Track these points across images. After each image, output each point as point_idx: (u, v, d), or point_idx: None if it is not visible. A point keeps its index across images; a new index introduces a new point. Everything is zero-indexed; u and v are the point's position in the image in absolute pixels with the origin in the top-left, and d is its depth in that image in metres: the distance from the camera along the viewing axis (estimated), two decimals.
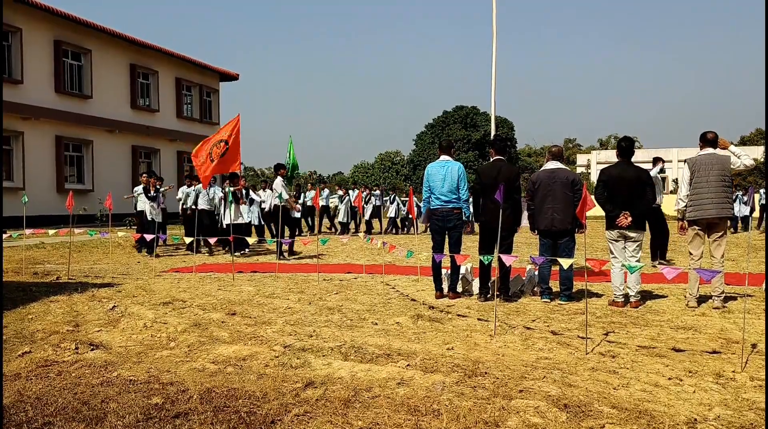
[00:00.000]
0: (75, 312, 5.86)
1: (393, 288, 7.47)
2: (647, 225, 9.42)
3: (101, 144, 22.79)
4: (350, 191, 20.14)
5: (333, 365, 4.04)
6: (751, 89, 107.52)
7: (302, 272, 9.10)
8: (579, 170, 55.50)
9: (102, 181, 22.16)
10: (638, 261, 6.13)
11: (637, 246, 6.22)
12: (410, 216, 19.32)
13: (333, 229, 20.11)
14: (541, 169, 6.79)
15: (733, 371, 3.90)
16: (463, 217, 6.76)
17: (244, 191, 12.12)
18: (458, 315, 5.81)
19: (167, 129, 25.91)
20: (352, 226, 19.90)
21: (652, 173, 9.65)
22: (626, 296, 6.21)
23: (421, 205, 7.29)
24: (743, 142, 58.37)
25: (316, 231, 19.11)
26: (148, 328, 5.15)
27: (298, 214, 12.86)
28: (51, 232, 10.50)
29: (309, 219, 19.16)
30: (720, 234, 6.19)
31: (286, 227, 11.86)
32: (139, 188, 12.34)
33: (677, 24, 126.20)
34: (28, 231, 10.20)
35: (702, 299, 6.26)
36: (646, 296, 6.62)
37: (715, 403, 3.36)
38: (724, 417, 3.15)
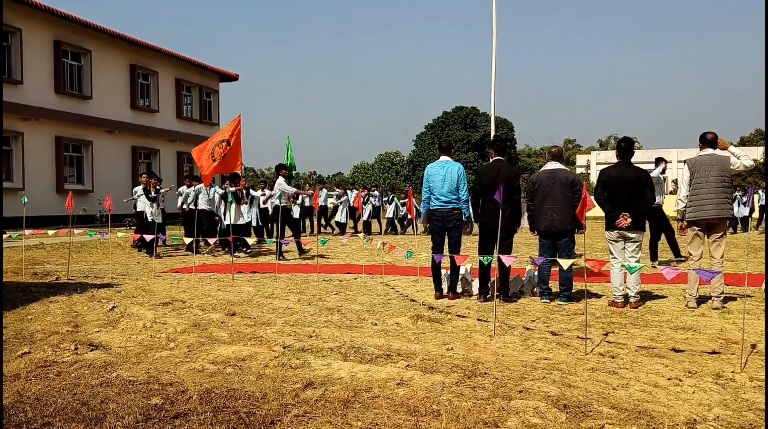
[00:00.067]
0: (74, 312, 5.86)
1: (393, 288, 7.47)
2: (648, 225, 9.44)
3: (101, 144, 22.80)
4: (348, 191, 20.12)
5: (332, 366, 4.04)
6: (751, 89, 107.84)
7: (302, 273, 9.09)
8: (579, 171, 55.53)
9: (102, 182, 22.17)
10: (638, 261, 6.13)
11: (636, 246, 6.22)
12: (409, 216, 19.33)
13: (329, 230, 20.07)
14: (541, 169, 6.79)
15: (733, 372, 3.91)
16: (463, 218, 6.76)
17: (244, 191, 12.14)
18: (458, 315, 5.81)
19: (167, 129, 25.92)
20: (350, 224, 19.88)
21: (654, 174, 9.66)
22: (626, 297, 6.21)
23: (421, 205, 7.29)
24: (743, 142, 58.43)
25: (315, 231, 19.10)
26: (147, 329, 5.15)
27: (296, 214, 12.91)
28: (50, 232, 10.52)
29: (308, 219, 19.15)
30: (720, 234, 6.19)
31: (286, 227, 11.88)
32: (139, 189, 12.34)
33: (677, 24, 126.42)
34: (27, 231, 10.20)
35: (701, 300, 6.26)
36: (645, 297, 6.62)
37: (714, 403, 3.36)
38: (723, 417, 3.15)
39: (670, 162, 44.49)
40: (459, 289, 6.93)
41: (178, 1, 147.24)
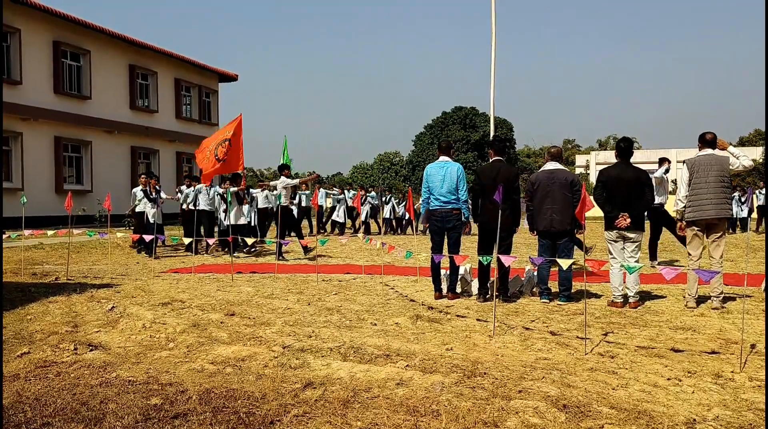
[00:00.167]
0: (74, 313, 5.86)
1: (392, 288, 7.47)
2: (649, 225, 9.45)
3: (100, 145, 22.78)
4: (346, 191, 20.10)
5: (332, 366, 4.04)
6: (750, 89, 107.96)
7: (301, 273, 9.09)
8: (578, 171, 55.54)
9: (101, 182, 22.14)
10: (637, 261, 6.13)
11: (636, 246, 6.23)
12: (408, 216, 19.33)
13: (324, 230, 20.01)
14: (540, 169, 6.79)
15: (732, 371, 3.91)
16: (462, 218, 6.76)
17: (245, 191, 12.16)
18: (457, 315, 5.81)
19: (166, 130, 25.89)
20: (348, 224, 19.86)
21: (658, 174, 9.67)
22: (625, 297, 6.21)
23: (420, 205, 7.29)
24: (742, 142, 58.47)
25: (315, 232, 19.09)
26: (147, 329, 5.14)
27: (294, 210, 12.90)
28: (50, 232, 10.50)
29: (306, 220, 19.13)
30: (719, 234, 6.19)
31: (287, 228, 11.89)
32: (138, 191, 12.32)
33: (677, 24, 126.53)
34: (26, 232, 10.19)
35: (701, 300, 6.26)
36: (645, 297, 6.63)
37: (714, 403, 3.36)
38: (723, 417, 3.15)
39: (669, 162, 44.56)
40: (458, 289, 6.93)
41: (177, 1, 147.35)
